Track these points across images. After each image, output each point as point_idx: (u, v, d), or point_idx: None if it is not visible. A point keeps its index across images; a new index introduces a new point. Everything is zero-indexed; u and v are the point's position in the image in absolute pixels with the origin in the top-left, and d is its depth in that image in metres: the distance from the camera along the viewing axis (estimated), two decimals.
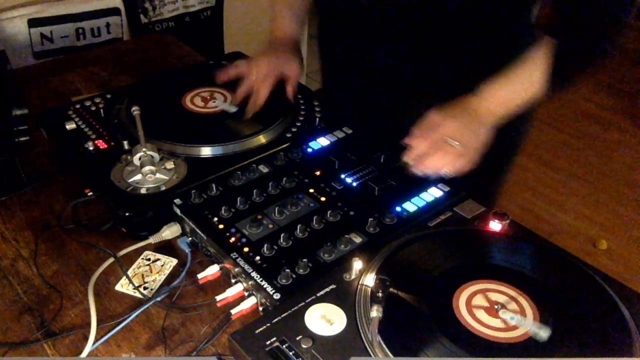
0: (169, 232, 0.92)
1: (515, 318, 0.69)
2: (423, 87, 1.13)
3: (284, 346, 0.67)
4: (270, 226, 0.87)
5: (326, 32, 1.26)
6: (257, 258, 0.82)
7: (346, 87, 1.26)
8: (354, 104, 1.23)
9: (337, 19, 1.18)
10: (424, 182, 0.96)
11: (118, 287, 0.87)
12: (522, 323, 0.69)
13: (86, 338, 0.78)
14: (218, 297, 0.82)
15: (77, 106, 1.15)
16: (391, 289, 0.72)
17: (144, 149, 0.96)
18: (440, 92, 1.01)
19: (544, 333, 0.66)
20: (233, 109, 1.12)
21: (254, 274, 0.79)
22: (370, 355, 0.66)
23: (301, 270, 0.80)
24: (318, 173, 0.99)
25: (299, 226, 0.86)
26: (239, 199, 0.91)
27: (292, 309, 0.72)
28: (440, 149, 0.91)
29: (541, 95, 0.93)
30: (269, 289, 0.77)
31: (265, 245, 0.83)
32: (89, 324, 0.79)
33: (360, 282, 0.75)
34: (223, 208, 0.89)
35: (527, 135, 1.23)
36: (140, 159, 0.96)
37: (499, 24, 1.03)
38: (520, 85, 0.94)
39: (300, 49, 1.20)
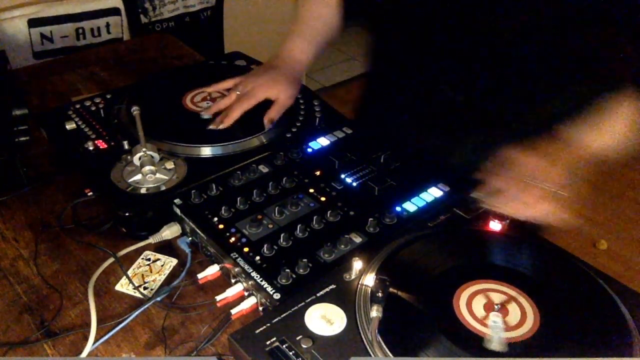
0: (169, 232, 0.92)
1: (496, 322, 0.69)
2: (470, 122, 1.04)
3: (284, 346, 0.67)
4: (270, 226, 0.87)
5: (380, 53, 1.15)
6: (257, 258, 0.82)
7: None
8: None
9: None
10: (424, 182, 0.96)
11: (118, 287, 0.87)
12: (494, 330, 0.68)
13: (86, 338, 0.78)
14: (218, 297, 0.82)
15: (77, 106, 1.15)
16: (391, 289, 0.72)
17: (144, 149, 0.96)
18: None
19: (499, 347, 0.66)
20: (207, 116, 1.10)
21: (254, 274, 0.79)
22: (370, 355, 0.66)
23: (301, 270, 0.80)
24: (318, 173, 0.99)
25: (299, 226, 0.86)
26: (239, 199, 0.91)
27: (292, 309, 0.72)
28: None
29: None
30: (269, 289, 0.77)
31: (265, 245, 0.83)
32: (89, 324, 0.79)
33: (360, 282, 0.75)
34: (223, 208, 0.89)
35: None
36: (140, 159, 0.96)
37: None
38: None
39: (302, 74, 1.13)
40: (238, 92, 1.09)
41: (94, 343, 0.77)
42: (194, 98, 1.15)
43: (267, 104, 1.12)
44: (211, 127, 1.06)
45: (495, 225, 0.85)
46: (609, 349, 0.67)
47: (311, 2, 1.14)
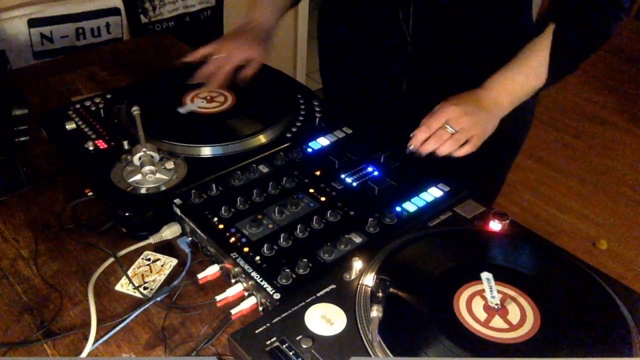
0: (169, 232, 0.92)
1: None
2: (423, 85, 1.13)
3: (284, 346, 0.67)
4: (270, 226, 0.87)
5: (325, 28, 1.27)
6: (257, 258, 0.82)
7: (346, 85, 1.26)
8: (354, 103, 1.23)
9: (337, 13, 1.20)
10: (424, 182, 0.96)
11: (118, 287, 0.87)
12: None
13: (86, 338, 0.78)
14: (218, 297, 0.82)
15: (77, 106, 1.15)
16: (391, 289, 0.72)
17: (144, 149, 0.96)
18: (440, 90, 1.02)
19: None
20: (193, 107, 1.13)
21: (254, 274, 0.79)
22: (370, 355, 0.66)
23: (301, 270, 0.80)
24: (318, 173, 0.99)
25: (299, 226, 0.86)
26: (239, 199, 0.91)
27: (292, 309, 0.72)
28: (438, 134, 0.96)
29: (545, 84, 0.97)
30: (269, 289, 0.77)
31: (265, 245, 0.83)
32: (89, 324, 0.79)
33: (360, 282, 0.75)
34: (223, 208, 0.89)
35: (527, 135, 1.24)
36: (140, 159, 0.96)
37: (500, 20, 1.05)
38: (524, 75, 0.98)
39: (270, 36, 1.21)
40: (215, 57, 1.16)
41: (94, 343, 0.77)
42: (194, 98, 1.15)
43: (266, 102, 1.13)
44: (195, 81, 1.14)
45: (495, 225, 0.85)
46: (609, 349, 0.67)
47: None
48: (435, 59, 1.10)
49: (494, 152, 1.09)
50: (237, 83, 1.16)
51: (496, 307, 0.71)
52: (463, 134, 0.95)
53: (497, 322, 0.70)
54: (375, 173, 0.98)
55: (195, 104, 1.13)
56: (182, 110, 1.12)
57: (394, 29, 1.08)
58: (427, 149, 0.96)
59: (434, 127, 0.96)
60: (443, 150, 0.96)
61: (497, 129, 1.00)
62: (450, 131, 0.95)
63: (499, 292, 0.73)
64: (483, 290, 0.74)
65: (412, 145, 0.98)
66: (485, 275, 0.73)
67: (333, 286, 0.75)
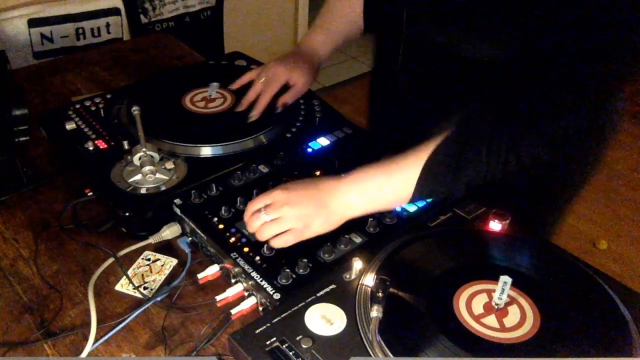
0: (169, 232, 0.92)
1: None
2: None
3: (284, 346, 0.67)
4: None
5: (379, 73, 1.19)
6: (257, 258, 0.82)
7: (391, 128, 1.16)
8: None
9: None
10: None
11: (118, 287, 0.87)
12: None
13: (86, 338, 0.78)
14: (218, 297, 0.82)
15: (77, 106, 1.15)
16: (391, 289, 0.72)
17: (144, 149, 0.96)
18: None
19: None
20: (215, 87, 1.14)
21: (254, 274, 0.79)
22: (370, 355, 0.66)
23: (301, 270, 0.80)
24: (318, 173, 0.99)
25: None
26: (239, 199, 0.91)
27: (292, 309, 0.72)
28: (254, 217, 0.83)
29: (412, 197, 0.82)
30: (269, 289, 0.77)
31: (265, 246, 0.83)
32: (89, 324, 0.79)
33: (360, 282, 0.75)
34: (223, 208, 0.89)
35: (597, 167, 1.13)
36: (140, 159, 0.96)
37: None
38: (386, 177, 0.82)
39: (318, 66, 1.16)
40: (262, 80, 1.12)
41: (94, 343, 0.77)
42: (194, 98, 1.15)
43: (268, 105, 1.13)
44: (251, 119, 1.09)
45: (495, 225, 0.85)
46: (609, 349, 0.67)
47: (338, 0, 1.17)
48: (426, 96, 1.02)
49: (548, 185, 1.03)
50: (276, 108, 1.11)
51: (496, 307, 0.71)
52: (277, 224, 0.82)
53: (497, 322, 0.70)
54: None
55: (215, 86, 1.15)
56: (210, 91, 1.13)
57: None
58: (249, 229, 0.84)
59: (252, 209, 0.84)
60: (258, 236, 0.83)
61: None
62: (264, 218, 0.82)
63: (504, 296, 0.73)
64: (483, 290, 0.74)
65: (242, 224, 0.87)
66: (505, 279, 0.72)
67: (333, 286, 0.75)
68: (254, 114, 1.09)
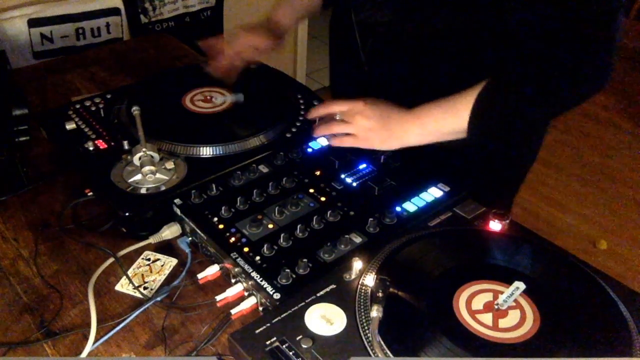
0: (169, 232, 0.92)
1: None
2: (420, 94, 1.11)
3: (284, 346, 0.67)
4: (270, 226, 0.87)
5: (335, 36, 1.26)
6: (257, 258, 0.82)
7: (351, 88, 1.25)
8: None
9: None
10: (424, 182, 0.96)
11: (118, 287, 0.87)
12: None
13: (86, 338, 0.78)
14: (218, 297, 0.82)
15: (77, 106, 1.15)
16: (391, 289, 0.72)
17: (144, 149, 0.96)
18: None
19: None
20: (240, 98, 1.15)
21: (254, 274, 0.79)
22: (370, 355, 0.66)
23: (301, 270, 0.80)
24: (318, 173, 0.99)
25: (299, 226, 0.86)
26: (239, 199, 0.91)
27: (292, 309, 0.72)
28: (329, 117, 1.00)
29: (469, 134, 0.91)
30: (269, 289, 0.77)
31: (265, 245, 0.83)
32: (89, 324, 0.79)
33: (360, 282, 0.75)
34: (223, 208, 0.89)
35: (542, 143, 1.20)
36: (140, 159, 0.96)
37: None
38: (442, 111, 0.92)
39: (282, 35, 1.24)
40: (230, 47, 1.20)
41: (94, 343, 0.77)
42: (194, 98, 1.15)
43: (266, 102, 1.13)
44: (215, 74, 1.18)
45: (495, 225, 0.85)
46: (609, 349, 0.67)
47: None
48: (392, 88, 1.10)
49: (505, 158, 1.08)
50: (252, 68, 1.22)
51: (497, 307, 0.71)
52: (343, 124, 0.98)
53: (497, 322, 0.70)
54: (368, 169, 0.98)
55: (231, 95, 1.17)
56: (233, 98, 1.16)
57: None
58: (322, 130, 1.01)
59: (331, 109, 1.01)
60: (323, 129, 1.01)
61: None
62: (338, 117, 0.99)
63: (498, 292, 0.73)
64: (483, 290, 0.74)
65: (310, 115, 1.05)
66: (518, 284, 0.72)
67: (333, 286, 0.75)
68: (226, 80, 1.18)
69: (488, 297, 0.73)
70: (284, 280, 0.78)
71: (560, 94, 0.88)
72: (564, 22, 0.82)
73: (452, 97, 0.91)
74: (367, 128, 0.96)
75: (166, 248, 0.93)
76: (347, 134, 0.99)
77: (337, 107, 1.00)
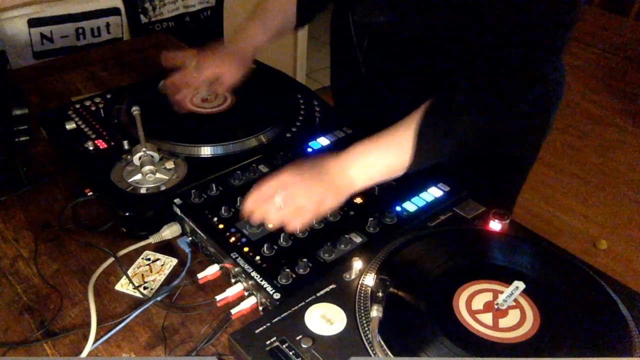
0: (169, 232, 0.92)
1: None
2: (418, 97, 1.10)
3: (284, 346, 0.67)
4: (270, 226, 0.87)
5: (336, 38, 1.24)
6: (257, 258, 0.82)
7: (351, 89, 1.24)
8: (358, 107, 1.22)
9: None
10: (424, 182, 0.96)
11: (118, 287, 0.87)
12: None
13: (86, 338, 0.78)
14: (218, 297, 0.82)
15: (77, 106, 1.15)
16: (391, 289, 0.72)
17: (144, 149, 0.96)
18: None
19: None
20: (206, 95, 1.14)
21: (254, 274, 0.79)
22: (370, 355, 0.66)
23: (301, 270, 0.80)
24: None
25: None
26: (239, 198, 0.91)
27: (292, 309, 0.72)
28: (264, 206, 0.84)
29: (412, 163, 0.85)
30: (269, 288, 0.77)
31: (265, 245, 0.83)
32: (89, 324, 0.79)
33: (360, 282, 0.75)
34: (223, 208, 0.89)
35: (543, 141, 1.19)
36: (140, 159, 0.96)
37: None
38: (383, 148, 0.86)
39: (252, 56, 1.16)
40: (193, 65, 1.12)
41: (94, 343, 0.77)
42: (194, 98, 1.15)
43: (266, 102, 1.12)
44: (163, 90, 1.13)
45: (495, 225, 0.85)
46: (609, 349, 0.67)
47: None
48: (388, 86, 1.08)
49: (508, 159, 1.08)
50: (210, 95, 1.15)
51: (497, 307, 0.71)
52: (291, 207, 0.83)
53: (497, 322, 0.70)
54: None
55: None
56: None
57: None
58: (254, 220, 0.85)
59: (263, 196, 0.84)
60: (267, 227, 0.86)
61: (512, 135, 0.97)
62: (278, 204, 0.83)
63: (498, 292, 0.73)
64: (483, 290, 0.74)
65: (241, 214, 0.87)
66: (517, 284, 0.72)
67: (333, 286, 0.75)
68: (177, 98, 1.12)
69: (488, 297, 0.73)
70: (284, 280, 0.78)
71: (504, 95, 0.84)
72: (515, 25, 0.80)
73: (387, 132, 0.86)
74: (314, 196, 0.84)
75: (166, 248, 0.93)
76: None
77: (268, 190, 0.84)
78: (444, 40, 0.94)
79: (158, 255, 0.92)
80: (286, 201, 0.83)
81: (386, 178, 0.88)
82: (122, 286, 0.87)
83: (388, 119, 0.91)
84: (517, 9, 0.79)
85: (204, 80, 1.12)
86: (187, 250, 0.89)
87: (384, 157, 0.86)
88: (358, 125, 1.11)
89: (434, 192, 0.94)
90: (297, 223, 0.84)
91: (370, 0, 0.98)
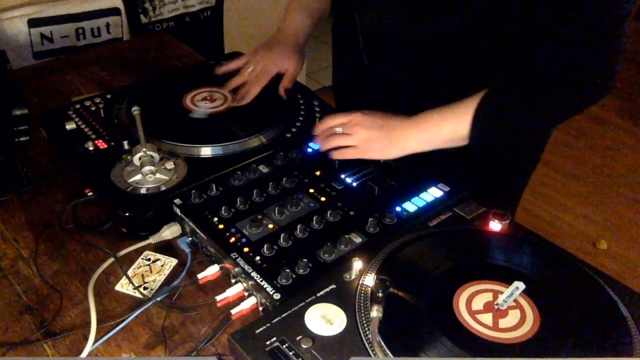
0: (169, 232, 0.92)
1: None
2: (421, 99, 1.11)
3: (284, 346, 0.67)
4: (270, 226, 0.87)
5: (337, 37, 1.24)
6: (257, 258, 0.82)
7: (353, 91, 1.25)
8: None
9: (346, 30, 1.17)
10: (424, 182, 0.96)
11: (118, 287, 0.87)
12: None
13: (86, 338, 0.78)
14: (218, 297, 0.82)
15: (77, 106, 1.15)
16: (391, 289, 0.72)
17: (144, 149, 0.96)
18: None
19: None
20: (202, 116, 1.12)
21: (254, 274, 0.79)
22: (370, 355, 0.66)
23: (301, 270, 0.80)
24: (318, 173, 0.99)
25: (299, 226, 0.86)
26: (239, 199, 0.91)
27: (292, 309, 0.72)
28: (329, 131, 0.99)
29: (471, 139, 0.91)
30: (269, 289, 0.77)
31: (265, 245, 0.83)
32: (89, 324, 0.79)
33: (360, 282, 0.75)
34: (223, 208, 0.89)
35: (545, 144, 1.20)
36: (140, 159, 0.96)
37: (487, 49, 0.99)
38: (441, 118, 0.93)
39: (304, 46, 1.20)
40: (250, 70, 1.15)
41: (94, 343, 0.77)
42: (194, 98, 1.15)
43: (266, 102, 1.12)
44: (233, 104, 1.12)
45: (495, 225, 0.85)
46: (609, 349, 0.67)
47: None
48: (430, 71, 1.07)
49: (509, 162, 1.09)
50: (279, 97, 1.15)
51: (497, 307, 0.71)
52: (345, 137, 0.97)
53: (497, 322, 0.70)
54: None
55: (202, 108, 1.13)
56: (195, 115, 1.11)
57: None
58: (324, 144, 1.00)
59: (331, 123, 0.99)
60: (325, 144, 1.00)
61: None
62: (337, 131, 0.98)
63: (498, 292, 0.73)
64: (483, 290, 0.74)
65: (315, 130, 1.02)
66: (518, 284, 0.73)
67: (333, 286, 0.75)
68: (242, 102, 1.13)
69: (488, 297, 0.73)
70: (284, 280, 0.78)
71: (563, 100, 0.88)
72: (571, 28, 0.82)
73: (453, 104, 0.92)
74: (367, 138, 0.96)
75: (166, 248, 0.93)
76: (349, 146, 0.98)
77: (336, 121, 0.99)
78: (460, 41, 0.94)
79: (158, 256, 0.92)
80: (355, 133, 0.96)
81: (445, 146, 0.94)
82: (122, 286, 0.87)
83: None
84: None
85: (269, 79, 1.14)
86: (187, 250, 0.89)
87: (441, 127, 0.92)
88: None
89: (434, 192, 0.94)
90: (355, 152, 0.97)
91: (379, 1, 0.97)
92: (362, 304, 0.72)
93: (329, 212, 0.89)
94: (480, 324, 0.70)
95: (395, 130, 0.95)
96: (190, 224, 0.89)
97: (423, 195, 0.94)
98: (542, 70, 0.87)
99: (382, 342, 0.66)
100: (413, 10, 0.95)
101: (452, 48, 0.96)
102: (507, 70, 0.91)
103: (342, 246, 0.84)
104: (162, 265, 0.90)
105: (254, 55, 1.17)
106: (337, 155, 0.98)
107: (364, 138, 0.96)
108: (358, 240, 0.85)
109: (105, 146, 1.04)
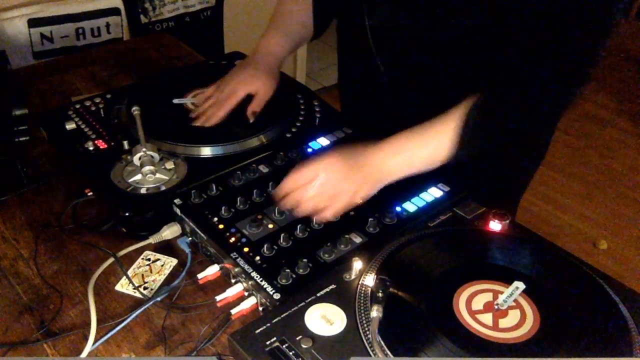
0: (169, 232, 0.92)
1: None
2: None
3: (284, 346, 0.67)
4: (270, 226, 0.87)
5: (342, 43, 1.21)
6: (257, 258, 0.82)
7: (363, 93, 1.21)
8: (371, 111, 1.19)
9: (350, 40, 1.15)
10: (424, 182, 0.96)
11: (118, 287, 0.87)
12: None
13: (86, 338, 0.78)
14: (218, 297, 0.82)
15: (77, 106, 1.15)
16: (391, 289, 0.72)
17: (144, 149, 0.96)
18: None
19: None
20: (186, 101, 1.12)
21: (254, 274, 0.79)
22: (370, 355, 0.66)
23: (301, 270, 0.80)
24: None
25: (299, 226, 0.86)
26: (239, 199, 0.91)
27: (292, 309, 0.72)
28: (298, 193, 0.85)
29: (447, 159, 0.86)
30: (269, 289, 0.77)
31: (265, 245, 0.83)
32: (89, 324, 0.79)
33: (360, 282, 0.75)
34: (223, 208, 0.89)
35: (550, 142, 1.19)
36: (140, 159, 0.96)
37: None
38: (422, 140, 0.87)
39: (278, 69, 1.15)
40: (218, 91, 1.11)
41: (94, 343, 0.77)
42: (194, 98, 1.15)
43: (269, 102, 1.13)
44: (196, 123, 1.07)
45: (495, 225, 0.85)
46: (609, 349, 0.67)
47: (288, 2, 1.18)
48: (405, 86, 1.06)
49: (514, 161, 1.08)
50: (246, 119, 1.09)
51: (497, 307, 0.71)
52: (325, 196, 0.85)
53: (497, 322, 0.70)
54: None
55: (189, 99, 1.13)
56: (176, 100, 1.11)
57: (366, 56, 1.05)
58: (284, 206, 0.87)
59: (300, 181, 0.85)
60: (298, 212, 0.86)
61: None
62: (311, 193, 0.84)
63: (498, 292, 0.73)
64: (483, 290, 0.74)
65: (274, 196, 0.89)
66: (518, 284, 0.73)
67: (333, 286, 0.75)
68: (206, 123, 1.07)
69: (488, 297, 0.73)
70: (284, 280, 0.78)
71: (548, 90, 0.85)
72: (557, 22, 0.80)
73: (427, 123, 0.87)
74: (336, 193, 0.85)
75: (166, 248, 0.93)
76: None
77: (302, 179, 0.86)
78: (478, 41, 0.91)
79: (158, 256, 0.92)
80: (322, 188, 0.84)
81: (425, 168, 0.88)
82: (122, 286, 0.87)
83: (402, 123, 0.90)
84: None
85: (236, 102, 1.09)
86: (187, 250, 0.89)
87: (423, 147, 0.87)
88: (366, 126, 1.10)
89: (434, 193, 0.94)
90: (329, 211, 0.85)
91: (390, 2, 0.95)
92: (362, 304, 0.72)
93: None
94: (480, 324, 0.70)
95: (367, 165, 0.87)
96: (190, 224, 0.89)
97: (423, 195, 0.94)
98: (527, 59, 0.83)
99: (382, 342, 0.66)
100: (426, 10, 0.92)
101: (463, 50, 0.93)
102: (481, 84, 0.87)
103: (342, 246, 0.84)
104: (162, 265, 0.90)
105: (225, 77, 1.13)
106: (319, 220, 0.87)
107: (333, 194, 0.85)
108: (358, 240, 0.85)
109: (105, 146, 1.04)
